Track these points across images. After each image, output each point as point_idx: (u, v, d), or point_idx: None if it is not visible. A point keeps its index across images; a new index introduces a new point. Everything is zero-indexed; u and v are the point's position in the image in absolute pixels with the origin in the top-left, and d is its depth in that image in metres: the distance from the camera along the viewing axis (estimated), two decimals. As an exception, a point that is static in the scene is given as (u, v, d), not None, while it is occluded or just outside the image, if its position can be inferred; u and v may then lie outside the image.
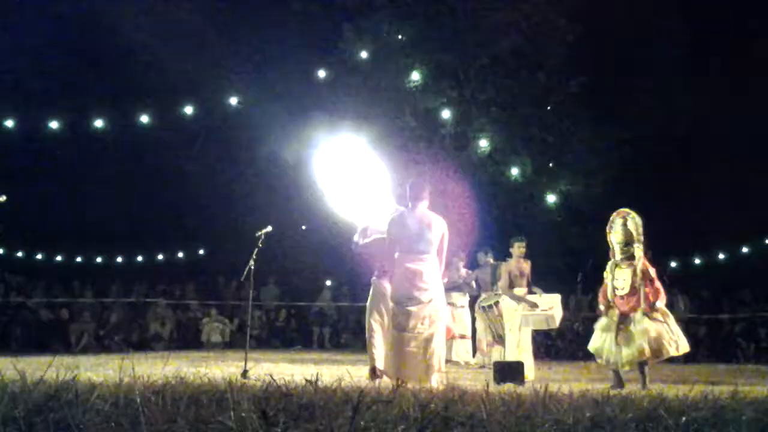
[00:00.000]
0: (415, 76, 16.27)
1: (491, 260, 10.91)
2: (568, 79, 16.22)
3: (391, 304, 6.75)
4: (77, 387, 3.36)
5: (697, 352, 14.07)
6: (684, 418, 2.97)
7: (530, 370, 8.38)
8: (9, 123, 15.43)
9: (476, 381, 6.63)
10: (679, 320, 7.34)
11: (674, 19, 15.76)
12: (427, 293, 6.53)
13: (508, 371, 7.10)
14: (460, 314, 11.09)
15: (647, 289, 7.03)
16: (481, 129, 16.39)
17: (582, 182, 16.41)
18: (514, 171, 16.38)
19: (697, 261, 17.51)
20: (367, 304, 7.45)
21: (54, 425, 2.78)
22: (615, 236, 7.23)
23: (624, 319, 7.05)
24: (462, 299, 11.25)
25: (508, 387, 4.86)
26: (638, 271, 7.07)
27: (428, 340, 6.45)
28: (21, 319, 15.11)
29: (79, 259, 19.44)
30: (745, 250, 17.07)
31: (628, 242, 7.14)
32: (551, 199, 16.38)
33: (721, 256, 17.30)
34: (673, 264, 17.49)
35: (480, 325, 10.79)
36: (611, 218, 7.32)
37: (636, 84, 16.19)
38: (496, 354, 9.54)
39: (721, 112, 15.57)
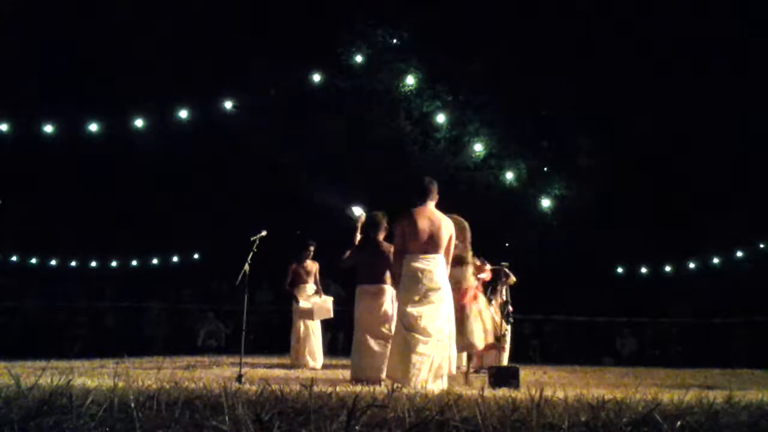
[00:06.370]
0: (410, 80, 16.28)
1: (488, 267, 10.83)
2: (562, 83, 16.25)
3: (400, 305, 6.63)
4: (71, 392, 3.34)
5: (694, 356, 14.12)
6: (679, 423, 2.96)
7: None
8: (3, 127, 15.40)
9: (471, 386, 6.61)
10: None
11: (672, 20, 15.75)
12: (437, 294, 6.45)
13: (504, 376, 7.08)
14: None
15: None
16: (476, 133, 16.41)
17: (576, 186, 16.44)
18: (509, 175, 16.40)
19: (692, 265, 17.54)
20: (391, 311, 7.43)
21: (48, 430, 2.77)
22: None
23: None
24: None
25: (503, 391, 4.85)
26: None
27: (438, 342, 6.34)
28: (15, 323, 15.07)
29: (73, 264, 19.41)
30: (740, 254, 17.11)
31: None
32: (546, 203, 16.40)
33: (716, 260, 17.33)
34: (668, 268, 17.54)
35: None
36: None
37: (632, 87, 16.23)
38: (491, 358, 9.55)
39: (720, 114, 15.57)
